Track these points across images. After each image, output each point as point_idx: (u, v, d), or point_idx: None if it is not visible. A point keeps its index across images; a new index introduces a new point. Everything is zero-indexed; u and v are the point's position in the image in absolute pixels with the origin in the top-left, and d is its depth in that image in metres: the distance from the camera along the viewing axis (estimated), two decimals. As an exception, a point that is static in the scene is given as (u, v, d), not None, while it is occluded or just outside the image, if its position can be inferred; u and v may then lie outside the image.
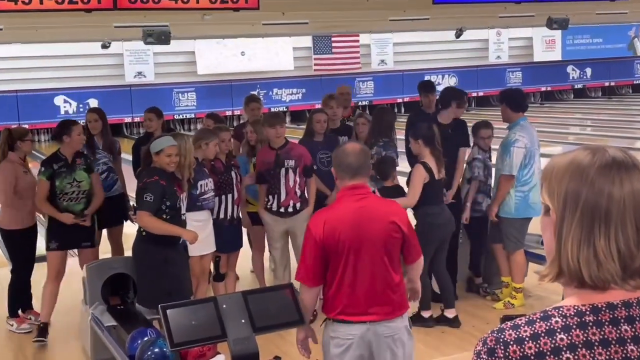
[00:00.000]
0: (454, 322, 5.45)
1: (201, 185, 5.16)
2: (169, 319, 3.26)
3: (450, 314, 5.45)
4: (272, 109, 17.46)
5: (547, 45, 22.66)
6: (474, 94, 22.98)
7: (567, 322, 1.18)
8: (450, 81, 22.32)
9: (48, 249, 5.33)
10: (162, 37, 12.37)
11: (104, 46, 16.59)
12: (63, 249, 5.38)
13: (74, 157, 5.35)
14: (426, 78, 21.49)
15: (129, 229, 5.98)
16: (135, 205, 4.72)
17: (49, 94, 18.10)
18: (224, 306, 3.33)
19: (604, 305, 1.18)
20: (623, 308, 1.18)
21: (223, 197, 5.39)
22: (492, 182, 5.86)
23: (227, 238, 5.41)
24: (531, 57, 22.64)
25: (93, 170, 5.47)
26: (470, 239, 6.11)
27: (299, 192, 5.62)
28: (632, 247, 1.16)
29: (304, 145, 5.91)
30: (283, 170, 5.56)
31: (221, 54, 18.96)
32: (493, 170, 5.93)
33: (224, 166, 5.44)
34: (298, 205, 5.64)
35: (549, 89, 23.89)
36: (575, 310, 1.19)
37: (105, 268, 4.98)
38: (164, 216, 4.52)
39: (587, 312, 1.18)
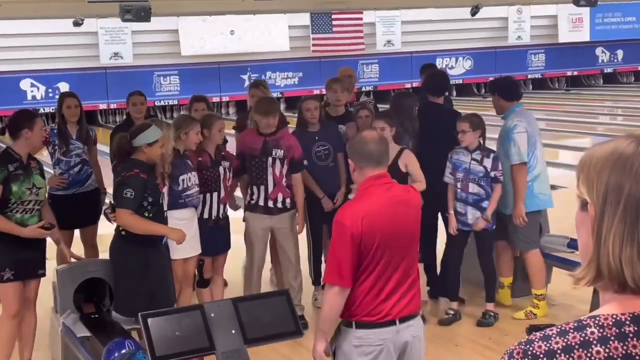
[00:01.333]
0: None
1: (183, 180, 5.14)
2: (150, 328, 3.26)
3: None
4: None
5: (573, 25, 22.65)
6: (491, 79, 22.90)
7: (605, 333, 1.17)
8: (465, 64, 22.33)
9: (1, 280, 4.69)
10: (141, 13, 12.35)
11: (76, 23, 16.56)
12: (19, 279, 4.74)
13: (28, 158, 4.82)
14: (438, 61, 21.53)
15: (105, 229, 5.97)
16: (113, 202, 4.69)
17: (14, 77, 18.08)
18: (212, 315, 3.34)
19: None
20: None
21: (207, 195, 5.37)
22: (475, 187, 5.58)
23: (211, 240, 5.39)
24: (556, 37, 22.64)
25: (44, 176, 4.98)
26: (449, 252, 5.97)
27: (285, 184, 5.68)
28: None
29: (297, 137, 5.91)
30: (270, 160, 5.60)
31: (208, 33, 18.94)
32: (478, 174, 5.61)
33: (211, 160, 5.42)
34: (288, 201, 5.67)
35: (575, 73, 23.89)
36: (613, 320, 1.18)
37: (78, 272, 4.96)
38: (146, 214, 4.51)
39: (627, 322, 1.17)
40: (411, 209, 3.43)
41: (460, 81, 22.28)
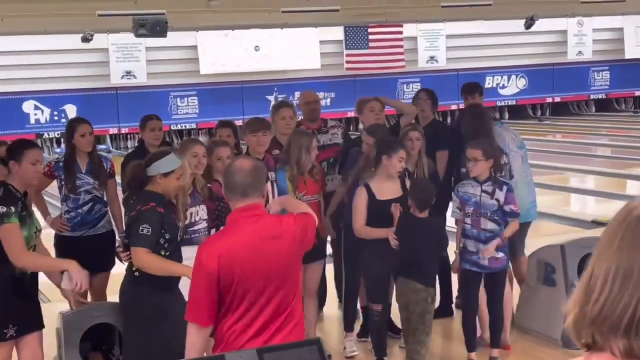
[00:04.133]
0: None
1: (191, 214, 5.17)
2: (165, 382, 3.26)
3: None
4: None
5: (642, 38, 22.53)
6: (549, 100, 22.89)
7: None
8: (519, 83, 22.27)
9: (2, 338, 4.57)
10: (157, 27, 12.52)
11: (85, 39, 16.81)
12: (21, 334, 4.68)
13: (25, 196, 4.75)
14: (488, 79, 21.51)
15: (115, 268, 6.00)
16: (125, 239, 4.71)
17: (16, 98, 18.37)
18: (234, 367, 3.33)
19: None
20: None
21: (221, 228, 5.38)
22: (488, 223, 5.59)
23: None
24: (622, 53, 22.50)
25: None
26: (463, 302, 5.90)
27: None
28: None
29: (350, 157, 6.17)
30: (269, 183, 5.66)
31: (230, 49, 19.13)
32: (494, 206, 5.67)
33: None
34: None
35: (644, 93, 23.73)
36: None
37: (84, 317, 4.99)
38: (162, 252, 4.52)
39: None
40: (282, 242, 3.56)
41: (514, 102, 22.23)
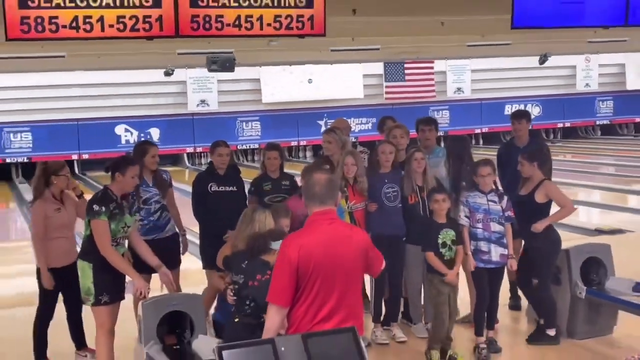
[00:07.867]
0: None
1: None
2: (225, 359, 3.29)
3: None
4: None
5: (641, 72, 22.14)
6: (560, 125, 22.60)
7: None
8: (534, 111, 22.02)
9: (99, 303, 4.95)
10: (226, 64, 12.68)
11: (167, 73, 17.08)
12: (115, 301, 5.05)
13: (121, 198, 5.07)
14: (507, 107, 21.29)
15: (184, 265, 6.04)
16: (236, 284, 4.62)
17: (110, 122, 18.70)
18: (282, 349, 3.35)
19: None
20: None
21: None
22: (497, 226, 5.62)
23: None
24: (624, 85, 22.17)
25: (132, 213, 5.19)
26: (477, 292, 5.81)
27: None
28: None
29: (368, 177, 5.96)
30: None
31: (287, 82, 19.27)
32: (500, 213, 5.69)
33: None
34: None
35: (644, 119, 23.30)
36: None
37: (162, 305, 5.04)
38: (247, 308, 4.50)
39: None
40: (351, 246, 3.59)
41: (529, 127, 21.93)
